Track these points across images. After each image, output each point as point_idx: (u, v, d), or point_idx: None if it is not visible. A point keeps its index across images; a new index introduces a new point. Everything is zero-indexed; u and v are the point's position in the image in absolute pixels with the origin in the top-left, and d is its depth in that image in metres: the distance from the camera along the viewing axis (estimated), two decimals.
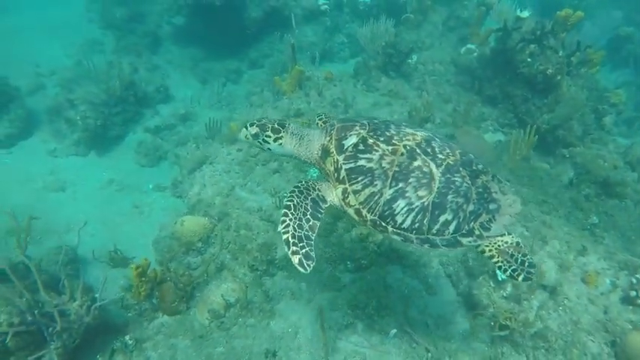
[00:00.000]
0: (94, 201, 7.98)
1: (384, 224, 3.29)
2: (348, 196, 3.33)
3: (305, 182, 3.48)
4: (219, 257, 5.54)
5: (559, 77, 7.84)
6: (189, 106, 10.08)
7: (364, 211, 3.30)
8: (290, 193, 3.39)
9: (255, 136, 3.55)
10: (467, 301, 5.25)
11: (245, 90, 10.90)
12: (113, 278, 5.96)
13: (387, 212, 3.25)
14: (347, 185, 3.31)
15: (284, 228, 3.17)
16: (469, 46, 9.57)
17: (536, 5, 13.48)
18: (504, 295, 5.21)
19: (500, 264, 3.45)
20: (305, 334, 4.89)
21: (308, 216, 3.28)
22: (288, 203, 3.30)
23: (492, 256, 3.47)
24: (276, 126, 3.56)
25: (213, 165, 6.88)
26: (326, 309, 5.12)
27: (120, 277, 6.33)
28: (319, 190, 3.45)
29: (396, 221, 3.26)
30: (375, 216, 3.29)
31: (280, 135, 3.55)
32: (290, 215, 3.23)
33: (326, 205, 3.42)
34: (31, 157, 8.74)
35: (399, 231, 3.29)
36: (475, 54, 9.35)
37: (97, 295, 5.22)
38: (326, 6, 11.78)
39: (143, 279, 5.01)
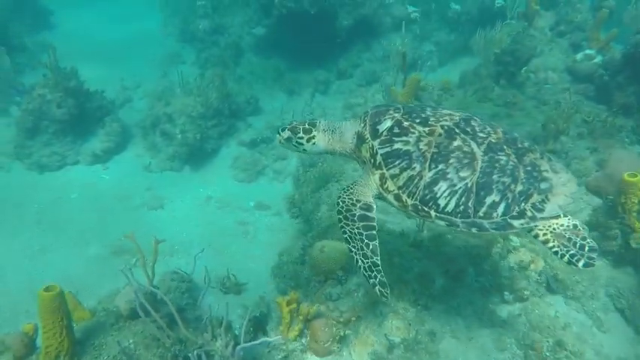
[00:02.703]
0: (194, 220, 7.54)
1: (426, 209, 3.15)
2: (386, 182, 3.23)
3: (343, 200, 3.37)
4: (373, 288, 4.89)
5: None
6: (282, 118, 9.61)
7: (404, 196, 3.19)
8: (338, 221, 3.32)
9: (289, 140, 3.54)
10: None
11: (334, 100, 10.38)
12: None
13: (429, 196, 3.13)
14: (384, 170, 3.22)
15: (355, 264, 3.16)
16: (587, 51, 8.70)
17: None
18: None
19: (556, 249, 3.15)
20: None
21: (366, 240, 3.18)
22: (345, 237, 3.24)
23: (547, 241, 3.19)
24: (307, 126, 3.53)
25: (340, 183, 6.28)
26: (492, 349, 4.44)
27: (234, 305, 5.85)
28: (358, 200, 3.34)
29: (439, 205, 3.12)
30: (415, 200, 3.16)
31: (312, 135, 3.52)
32: (353, 249, 3.18)
33: (374, 212, 3.30)
34: (127, 173, 8.44)
35: (442, 215, 3.13)
36: (596, 60, 8.50)
37: (237, 333, 4.69)
38: (416, 14, 11.17)
39: (297, 316, 4.40)
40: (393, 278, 4.89)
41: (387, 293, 3.07)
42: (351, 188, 3.43)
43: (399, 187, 3.21)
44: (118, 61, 12.12)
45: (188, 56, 12.53)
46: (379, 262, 3.14)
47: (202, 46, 11.94)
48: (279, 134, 3.57)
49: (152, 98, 9.17)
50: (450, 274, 5.26)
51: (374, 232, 3.24)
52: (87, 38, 13.15)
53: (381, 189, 3.30)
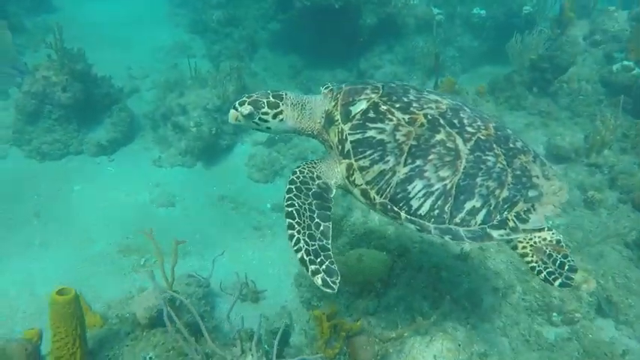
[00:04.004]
0: (208, 219, 6.97)
1: (395, 209, 2.79)
2: (353, 174, 2.86)
3: (302, 170, 2.98)
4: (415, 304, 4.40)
5: None
6: None
7: (372, 193, 2.82)
8: (287, 192, 2.86)
9: (250, 116, 3.01)
10: None
11: None
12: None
13: (401, 195, 2.77)
14: (352, 160, 2.84)
15: (294, 245, 2.68)
16: (625, 63, 8.35)
17: None
18: None
19: (534, 264, 2.90)
20: None
21: (316, 220, 2.76)
22: (290, 210, 2.76)
23: (525, 254, 2.93)
24: (271, 99, 3.02)
25: None
26: None
27: (249, 313, 5.32)
28: (319, 177, 2.94)
29: (411, 206, 2.77)
30: (385, 199, 2.80)
31: (279, 109, 3.03)
32: (296, 226, 2.71)
33: (332, 195, 2.93)
34: (134, 166, 7.84)
35: (413, 218, 2.79)
36: (635, 72, 8.13)
37: (267, 348, 4.15)
38: (441, 16, 10.75)
39: (336, 332, 3.89)
40: (442, 294, 4.44)
41: (336, 283, 2.58)
42: (315, 164, 3.03)
43: (368, 182, 2.83)
44: (123, 49, 11.52)
45: (198, 48, 11.95)
46: (329, 247, 2.72)
47: (215, 37, 11.38)
48: (237, 109, 3.01)
49: (163, 89, 8.59)
50: (499, 291, 4.84)
51: (328, 213, 2.83)
52: (90, 24, 12.47)
53: (346, 181, 2.92)
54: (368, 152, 2.81)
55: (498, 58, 10.92)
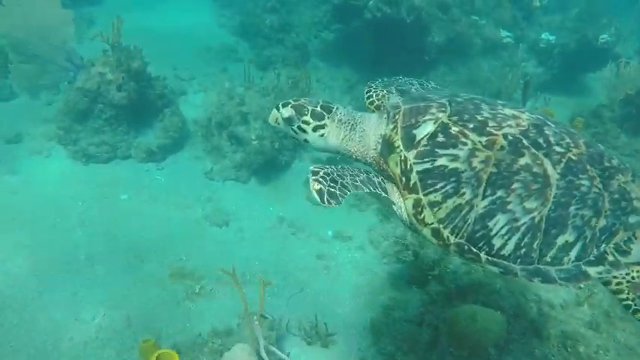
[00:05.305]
0: (266, 245, 6.31)
1: (474, 250, 2.42)
2: (422, 211, 2.47)
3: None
4: None
5: None
6: None
7: (446, 232, 2.45)
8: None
9: (289, 120, 2.73)
10: None
11: None
12: None
13: (480, 233, 2.40)
14: (420, 195, 2.47)
15: (313, 174, 2.40)
16: None
17: None
18: None
19: (629, 302, 2.51)
20: None
21: (357, 176, 2.48)
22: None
23: (620, 291, 2.52)
24: (318, 109, 2.72)
25: None
26: None
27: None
28: (384, 184, 2.57)
29: (493, 246, 2.40)
30: (461, 239, 2.43)
31: (323, 122, 2.72)
32: (326, 168, 2.44)
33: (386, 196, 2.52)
34: (185, 177, 7.22)
35: (496, 259, 2.42)
36: None
37: None
38: (509, 39, 10.15)
39: None
40: None
41: (329, 202, 2.30)
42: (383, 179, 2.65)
43: (440, 220, 2.45)
44: (167, 48, 10.91)
45: (244, 52, 11.35)
46: (349, 192, 2.40)
47: (266, 43, 10.80)
48: (278, 110, 2.76)
49: (217, 94, 7.96)
50: None
51: (371, 188, 2.47)
52: (133, 19, 11.93)
53: (413, 219, 2.53)
54: (439, 185, 2.44)
55: (562, 87, 10.32)
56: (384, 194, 2.52)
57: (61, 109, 6.97)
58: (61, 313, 4.90)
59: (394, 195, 2.59)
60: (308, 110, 2.72)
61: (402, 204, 2.57)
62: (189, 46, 11.36)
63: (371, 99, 3.06)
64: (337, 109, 2.80)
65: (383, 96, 3.02)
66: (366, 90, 3.13)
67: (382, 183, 2.59)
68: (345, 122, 2.77)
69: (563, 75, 10.45)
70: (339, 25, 10.45)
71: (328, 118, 2.73)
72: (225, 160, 7.32)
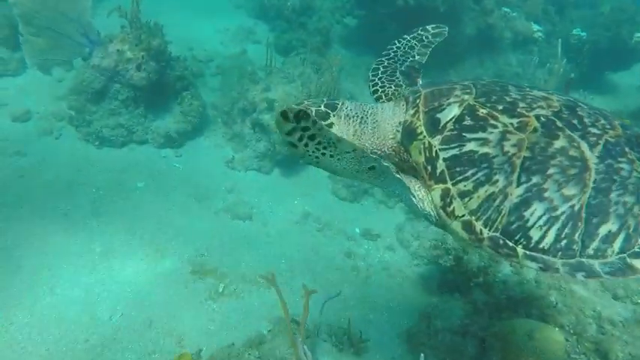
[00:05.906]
0: (293, 241, 5.93)
1: (510, 244, 2.17)
2: (451, 202, 2.24)
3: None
4: None
5: None
6: None
7: (478, 225, 2.20)
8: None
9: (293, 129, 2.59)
10: None
11: None
12: None
13: (516, 225, 2.16)
14: (449, 184, 2.25)
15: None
16: None
17: None
18: None
19: None
20: None
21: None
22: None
23: None
24: (322, 108, 2.59)
25: None
26: None
27: None
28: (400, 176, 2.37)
29: (530, 238, 2.15)
30: (495, 232, 2.18)
31: (329, 121, 2.57)
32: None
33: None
34: (204, 165, 6.80)
35: (534, 254, 2.15)
36: None
37: None
38: (540, 33, 9.72)
39: None
40: None
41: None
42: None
43: (472, 212, 2.22)
44: (183, 27, 10.43)
45: (262, 34, 10.82)
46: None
47: (287, 26, 10.29)
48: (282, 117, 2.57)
49: (239, 79, 7.51)
50: None
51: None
52: None
53: (441, 211, 2.29)
54: (469, 172, 2.23)
55: (592, 85, 9.94)
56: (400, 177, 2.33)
57: (74, 88, 6.50)
58: (75, 311, 4.49)
59: (414, 187, 2.37)
60: (312, 111, 2.57)
61: (426, 196, 2.35)
62: (204, 25, 10.85)
63: (377, 93, 2.95)
64: (343, 104, 2.66)
65: (393, 87, 2.95)
66: (371, 85, 3.01)
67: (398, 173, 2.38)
68: (353, 116, 2.62)
69: (589, 73, 10.06)
70: (363, 10, 9.97)
71: (333, 115, 2.60)
72: (247, 149, 6.90)
